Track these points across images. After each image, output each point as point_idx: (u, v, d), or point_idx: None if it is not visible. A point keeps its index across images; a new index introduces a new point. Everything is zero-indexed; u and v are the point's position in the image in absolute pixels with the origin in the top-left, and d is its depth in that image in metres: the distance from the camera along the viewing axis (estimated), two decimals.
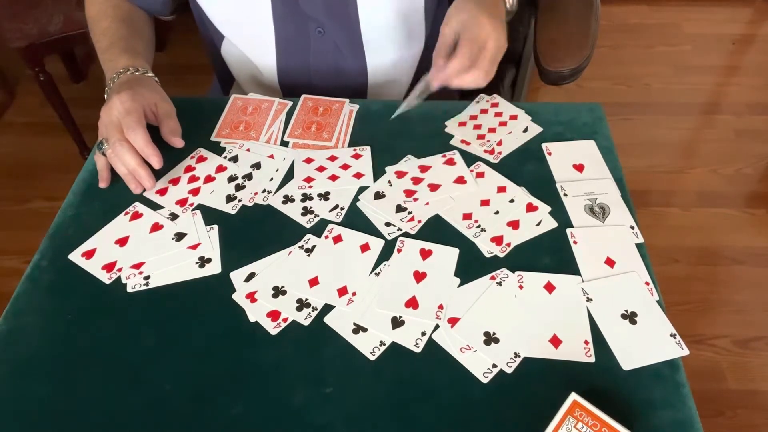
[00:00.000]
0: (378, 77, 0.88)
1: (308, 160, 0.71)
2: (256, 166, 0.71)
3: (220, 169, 0.71)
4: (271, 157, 0.72)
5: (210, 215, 0.67)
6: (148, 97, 0.71)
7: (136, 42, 0.79)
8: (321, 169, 0.70)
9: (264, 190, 0.69)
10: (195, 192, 0.69)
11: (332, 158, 0.71)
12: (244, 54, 0.88)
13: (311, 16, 0.80)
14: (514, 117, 0.76)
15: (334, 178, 0.69)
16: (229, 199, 0.68)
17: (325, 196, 0.68)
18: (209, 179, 0.70)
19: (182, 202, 0.68)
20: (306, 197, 0.68)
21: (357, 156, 0.72)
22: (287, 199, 0.68)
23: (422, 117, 0.76)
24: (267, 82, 0.91)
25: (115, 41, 0.77)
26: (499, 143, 0.73)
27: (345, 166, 0.70)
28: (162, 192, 0.69)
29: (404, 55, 0.88)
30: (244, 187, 0.69)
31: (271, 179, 0.70)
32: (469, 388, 0.53)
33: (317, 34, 0.82)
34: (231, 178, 0.70)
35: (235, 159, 0.72)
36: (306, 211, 0.66)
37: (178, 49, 2.14)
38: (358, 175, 0.69)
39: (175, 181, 0.70)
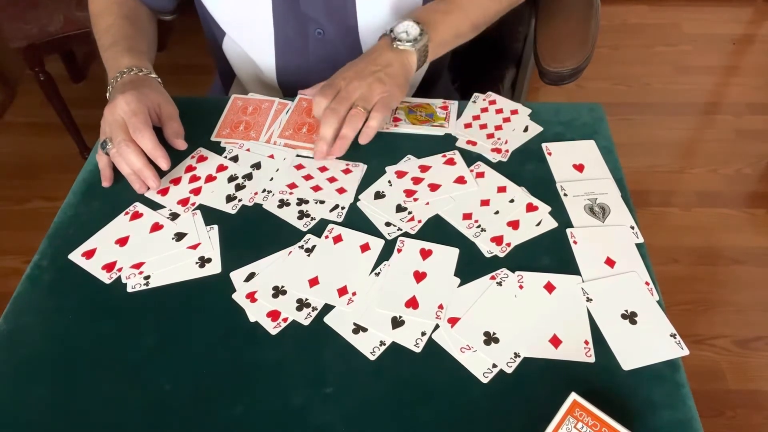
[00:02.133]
0: None
1: (299, 167, 0.71)
2: (256, 166, 0.71)
3: (221, 168, 0.71)
4: (271, 157, 0.72)
5: (210, 215, 0.67)
6: (153, 98, 0.71)
7: (139, 41, 0.79)
8: (308, 177, 0.69)
9: (264, 190, 0.69)
10: (196, 191, 0.69)
11: (323, 169, 0.70)
12: (244, 51, 0.88)
13: (311, 17, 0.80)
14: (515, 112, 0.76)
15: (317, 189, 0.68)
16: (230, 198, 0.68)
17: (322, 200, 0.68)
18: (210, 179, 0.70)
19: (184, 202, 0.68)
20: (302, 201, 0.68)
21: (347, 171, 0.70)
22: (283, 203, 0.67)
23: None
24: (267, 80, 0.91)
25: (119, 39, 0.77)
26: (506, 141, 0.73)
27: (332, 179, 0.69)
28: (163, 192, 0.69)
29: None
30: (244, 186, 0.69)
31: (272, 179, 0.70)
32: (469, 388, 0.53)
33: (317, 36, 0.83)
34: (231, 178, 0.70)
35: (235, 159, 0.72)
36: (302, 215, 0.66)
37: (179, 49, 2.14)
38: (341, 191, 0.68)
39: (176, 181, 0.70)
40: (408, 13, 0.76)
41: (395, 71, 0.72)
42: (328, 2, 0.79)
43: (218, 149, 0.74)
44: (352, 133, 0.70)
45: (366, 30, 0.82)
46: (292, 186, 0.69)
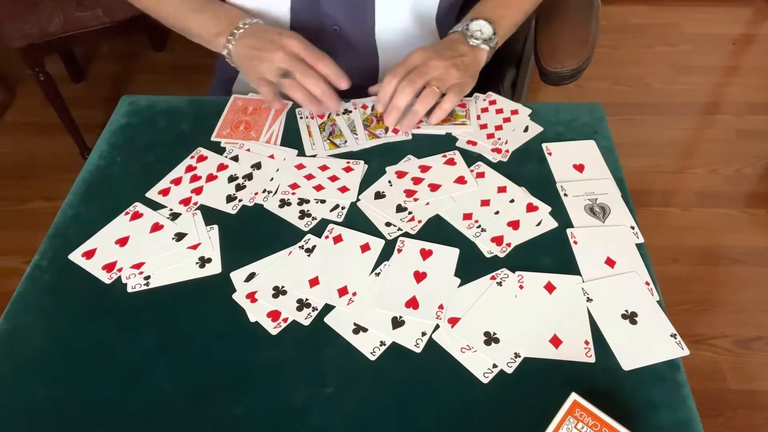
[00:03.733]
0: None
1: (300, 166, 0.71)
2: (257, 166, 0.71)
3: (221, 167, 0.71)
4: (272, 157, 0.72)
5: (210, 215, 0.67)
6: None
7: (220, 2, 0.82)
8: (309, 177, 0.69)
9: (264, 190, 0.69)
10: (198, 191, 0.69)
11: (324, 168, 0.70)
12: None
13: (329, 13, 0.81)
14: (515, 112, 0.76)
15: (319, 188, 0.68)
16: (230, 199, 0.68)
17: (322, 199, 0.68)
18: (211, 178, 0.70)
19: (186, 202, 0.68)
20: (303, 201, 0.68)
21: (348, 169, 0.70)
22: (284, 203, 0.67)
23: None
24: None
25: (206, 1, 0.79)
26: (506, 141, 0.73)
27: (333, 178, 0.69)
28: (164, 192, 0.69)
29: None
30: (244, 187, 0.69)
31: (272, 179, 0.70)
32: (470, 388, 0.53)
33: (333, 32, 0.83)
34: (231, 178, 0.70)
35: (235, 159, 0.72)
36: (303, 215, 0.66)
37: (179, 49, 2.14)
38: (343, 189, 0.68)
39: (176, 181, 0.70)
40: (474, 11, 0.79)
41: (469, 61, 0.74)
42: (349, 2, 0.79)
43: (218, 149, 0.74)
44: (423, 110, 0.71)
45: (382, 31, 0.83)
46: (294, 186, 0.69)
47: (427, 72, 0.71)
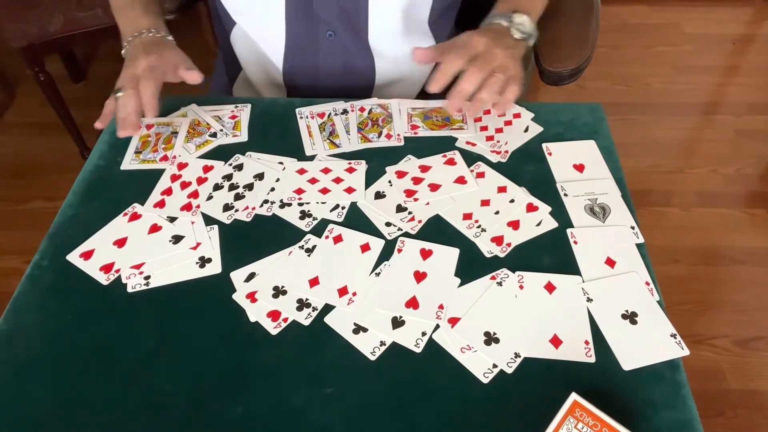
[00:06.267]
0: (385, 78, 0.89)
1: (301, 171, 0.71)
2: (260, 176, 0.70)
3: (207, 168, 0.70)
4: (281, 163, 0.71)
5: (208, 217, 0.67)
6: (171, 58, 0.74)
7: (154, 4, 0.82)
8: (313, 181, 0.69)
9: (267, 201, 0.68)
10: (194, 195, 0.68)
11: (326, 170, 0.70)
12: (254, 43, 0.88)
13: (324, 18, 0.81)
14: (517, 115, 0.76)
15: (325, 191, 0.68)
16: (227, 208, 0.67)
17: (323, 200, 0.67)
18: (202, 180, 0.69)
19: (187, 207, 0.67)
20: (303, 201, 0.67)
21: (351, 170, 0.70)
22: (284, 204, 0.67)
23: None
24: (273, 76, 0.91)
25: (134, 1, 0.80)
26: (506, 142, 0.73)
27: (337, 180, 0.69)
28: (160, 204, 0.67)
29: (411, 60, 0.88)
30: (243, 196, 0.68)
31: (273, 189, 0.68)
32: (470, 388, 0.53)
33: (328, 37, 0.83)
34: (232, 186, 0.69)
35: (239, 168, 0.71)
36: (304, 215, 0.66)
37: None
38: (350, 190, 0.68)
39: (167, 192, 0.69)
40: (507, 3, 0.76)
41: (518, 55, 0.72)
42: (341, 6, 0.79)
43: (223, 155, 0.73)
44: (490, 99, 0.69)
45: (375, 36, 0.83)
46: (300, 191, 0.68)
47: (492, 60, 0.68)
